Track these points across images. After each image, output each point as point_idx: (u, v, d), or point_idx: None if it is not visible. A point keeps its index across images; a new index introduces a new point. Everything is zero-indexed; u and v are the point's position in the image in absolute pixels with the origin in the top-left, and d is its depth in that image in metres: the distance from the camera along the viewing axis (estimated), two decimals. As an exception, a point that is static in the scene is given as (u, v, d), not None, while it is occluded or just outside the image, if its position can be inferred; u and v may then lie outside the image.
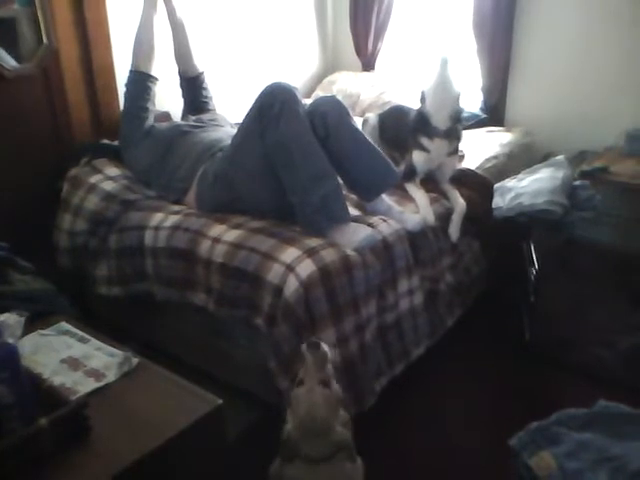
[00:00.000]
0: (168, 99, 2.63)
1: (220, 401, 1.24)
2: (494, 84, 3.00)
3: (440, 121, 2.26)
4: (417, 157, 2.32)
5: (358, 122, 2.39)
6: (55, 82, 2.37)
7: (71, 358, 1.39)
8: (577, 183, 2.36)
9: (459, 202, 2.30)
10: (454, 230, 2.25)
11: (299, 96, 1.94)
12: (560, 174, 2.35)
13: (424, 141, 2.30)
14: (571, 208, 2.21)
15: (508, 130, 2.97)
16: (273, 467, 1.48)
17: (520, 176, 2.44)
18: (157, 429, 1.17)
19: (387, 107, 2.74)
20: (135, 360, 1.36)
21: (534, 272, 2.34)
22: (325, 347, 1.41)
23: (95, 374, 1.33)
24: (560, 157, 2.52)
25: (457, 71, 2.27)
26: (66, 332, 1.50)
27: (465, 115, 2.55)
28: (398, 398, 2.00)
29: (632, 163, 2.45)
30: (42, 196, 2.32)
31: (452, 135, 2.31)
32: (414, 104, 2.55)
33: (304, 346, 1.41)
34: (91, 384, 1.29)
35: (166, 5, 2.46)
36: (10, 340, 1.21)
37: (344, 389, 1.74)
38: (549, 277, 2.27)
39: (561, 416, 1.81)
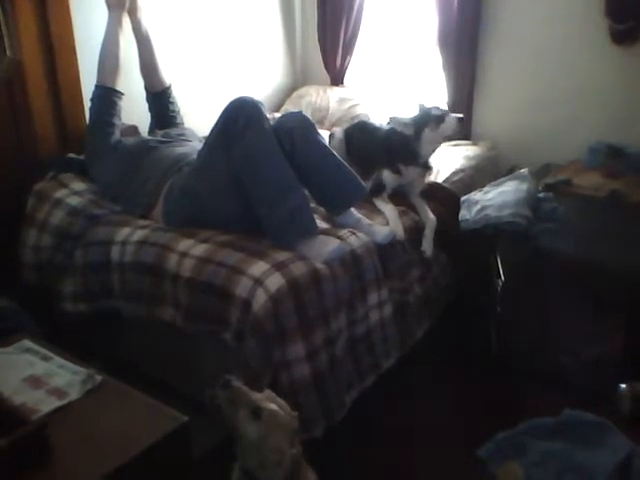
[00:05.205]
0: (136, 113, 2.61)
1: (186, 418, 1.22)
2: (460, 98, 3.04)
3: (425, 156, 2.35)
4: (388, 176, 2.36)
5: (326, 136, 2.40)
6: (19, 95, 2.32)
7: (33, 377, 1.35)
8: (541, 195, 2.41)
9: (429, 217, 2.33)
10: (427, 246, 2.27)
11: (264, 110, 1.95)
12: (525, 187, 2.39)
13: (400, 166, 2.35)
14: (535, 220, 2.26)
15: (474, 144, 3.01)
16: None
17: (486, 189, 2.48)
18: (121, 447, 1.15)
19: (354, 121, 2.76)
20: (99, 378, 1.34)
21: (500, 283, 2.37)
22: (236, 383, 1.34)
23: (57, 392, 1.30)
24: (524, 170, 2.57)
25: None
26: (28, 350, 1.46)
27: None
28: (367, 409, 2.00)
29: (594, 176, 2.50)
30: (6, 211, 2.28)
31: (427, 162, 2.39)
32: (382, 119, 2.58)
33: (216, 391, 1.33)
34: (53, 403, 1.26)
35: (131, 18, 2.44)
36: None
37: (314, 402, 1.75)
38: (515, 288, 2.31)
39: (528, 425, 1.84)
